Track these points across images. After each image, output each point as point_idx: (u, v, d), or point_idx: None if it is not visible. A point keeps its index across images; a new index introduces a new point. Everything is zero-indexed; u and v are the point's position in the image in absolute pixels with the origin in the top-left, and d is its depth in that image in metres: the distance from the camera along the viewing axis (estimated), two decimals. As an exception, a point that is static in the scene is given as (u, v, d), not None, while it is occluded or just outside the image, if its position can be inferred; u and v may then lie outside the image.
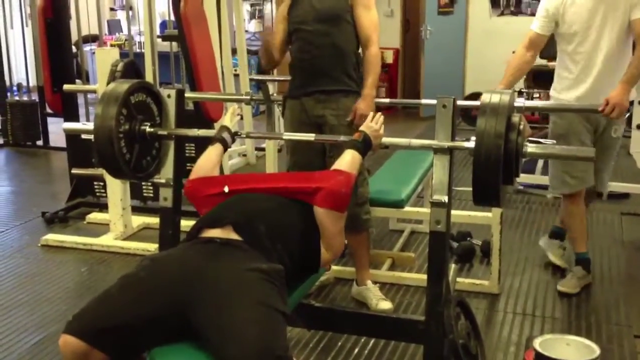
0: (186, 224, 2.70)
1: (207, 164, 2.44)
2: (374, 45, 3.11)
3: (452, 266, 2.51)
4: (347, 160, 2.30)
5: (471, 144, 2.08)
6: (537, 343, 2.37)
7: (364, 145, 2.34)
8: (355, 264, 3.38)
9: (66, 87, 4.64)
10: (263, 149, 5.32)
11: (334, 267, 3.53)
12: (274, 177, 3.00)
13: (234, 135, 2.54)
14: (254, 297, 1.81)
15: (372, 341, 2.90)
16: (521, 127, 2.09)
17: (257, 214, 2.16)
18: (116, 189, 4.22)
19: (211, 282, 1.85)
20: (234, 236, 2.05)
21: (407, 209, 3.55)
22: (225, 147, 2.50)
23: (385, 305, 3.21)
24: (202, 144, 2.61)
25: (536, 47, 3.38)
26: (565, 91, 3.34)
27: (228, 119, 2.60)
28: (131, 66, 4.03)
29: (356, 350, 2.86)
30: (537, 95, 7.06)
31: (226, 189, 2.32)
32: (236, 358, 1.68)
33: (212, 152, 2.47)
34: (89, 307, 1.89)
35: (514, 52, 3.47)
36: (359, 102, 3.06)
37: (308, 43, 3.12)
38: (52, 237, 4.22)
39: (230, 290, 1.82)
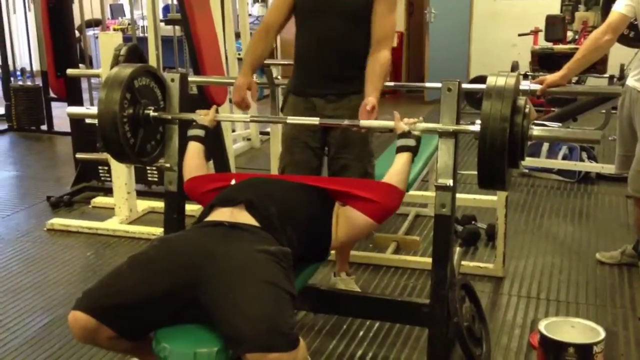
0: (191, 208, 2.72)
1: (195, 162, 2.43)
2: (389, 50, 2.75)
3: (457, 249, 2.53)
4: (403, 171, 2.28)
5: (476, 127, 2.08)
6: (542, 325, 2.38)
7: (417, 150, 2.33)
8: (337, 254, 3.14)
9: (69, 71, 4.63)
10: (267, 133, 5.31)
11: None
12: (301, 178, 2.48)
13: (208, 128, 2.51)
14: (261, 276, 1.83)
15: (377, 324, 2.91)
16: (526, 110, 2.08)
17: (269, 196, 2.17)
18: (121, 173, 4.23)
19: (220, 262, 1.87)
20: (244, 217, 2.06)
21: (411, 192, 3.53)
22: (201, 142, 2.48)
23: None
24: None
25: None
26: None
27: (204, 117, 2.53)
28: (134, 50, 4.01)
29: (361, 333, 2.87)
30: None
31: (233, 182, 2.31)
32: (244, 334, 1.70)
33: (195, 152, 2.46)
34: (99, 284, 1.91)
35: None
36: (371, 100, 2.58)
37: (320, 40, 2.76)
38: (58, 221, 4.23)
39: (239, 270, 1.84)
